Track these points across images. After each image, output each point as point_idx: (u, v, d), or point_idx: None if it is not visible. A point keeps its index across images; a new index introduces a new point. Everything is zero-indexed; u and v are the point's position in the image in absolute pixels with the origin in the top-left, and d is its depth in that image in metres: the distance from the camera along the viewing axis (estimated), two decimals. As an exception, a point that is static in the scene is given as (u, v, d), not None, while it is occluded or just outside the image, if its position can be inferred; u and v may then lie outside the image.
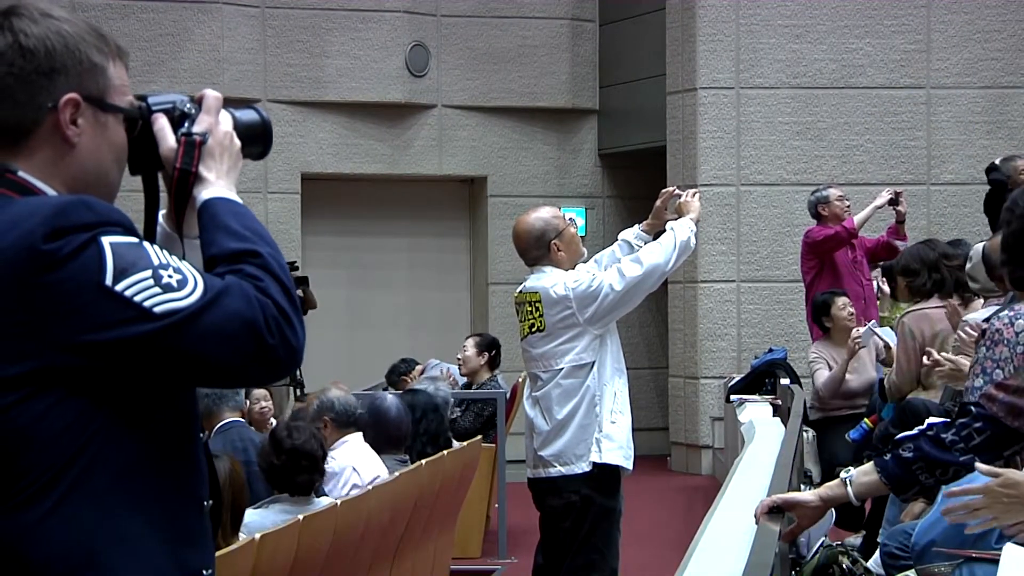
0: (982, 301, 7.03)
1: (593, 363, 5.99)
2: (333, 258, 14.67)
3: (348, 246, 14.79)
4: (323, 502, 5.65)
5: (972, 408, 3.66)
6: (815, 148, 13.31)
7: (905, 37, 13.35)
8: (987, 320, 4.66)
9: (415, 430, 7.78)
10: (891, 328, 8.85)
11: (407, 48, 14.37)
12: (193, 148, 2.29)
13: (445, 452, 7.50)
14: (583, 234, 12.74)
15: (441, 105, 14.63)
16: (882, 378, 8.18)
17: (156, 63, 13.40)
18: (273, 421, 8.42)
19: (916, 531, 4.50)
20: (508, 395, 10.31)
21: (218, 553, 3.27)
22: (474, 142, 14.74)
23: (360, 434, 6.82)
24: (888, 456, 3.75)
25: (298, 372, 11.47)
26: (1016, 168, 10.00)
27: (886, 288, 9.22)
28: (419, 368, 10.98)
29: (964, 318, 6.63)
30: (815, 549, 4.58)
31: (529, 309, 6.07)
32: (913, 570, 4.38)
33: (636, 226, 6.52)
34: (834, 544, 4.86)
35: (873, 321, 9.55)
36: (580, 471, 5.97)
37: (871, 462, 3.81)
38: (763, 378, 10.80)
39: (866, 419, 8.22)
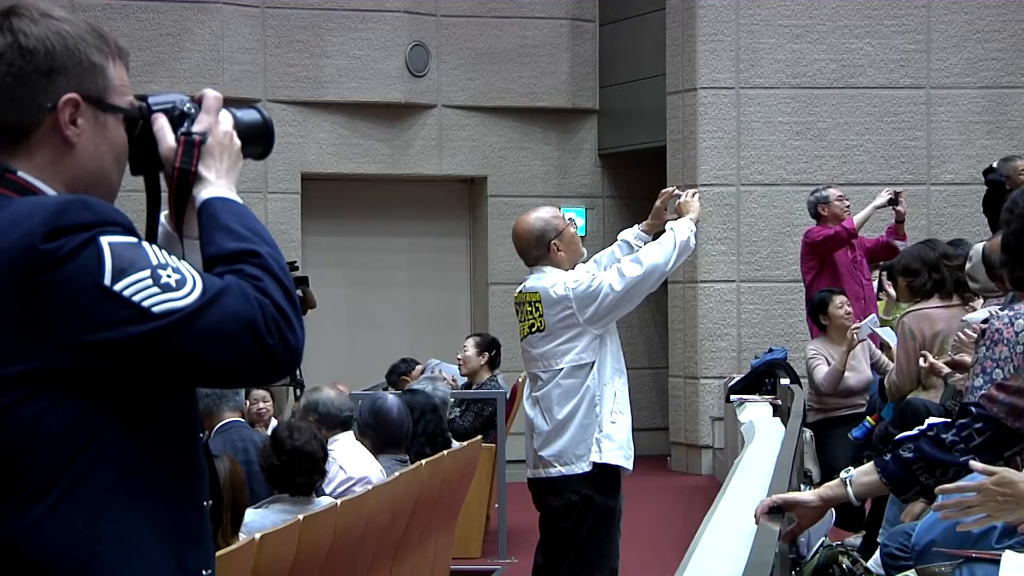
0: (982, 301, 7.03)
1: (593, 363, 5.98)
2: (333, 258, 14.67)
3: (348, 246, 14.79)
4: (323, 502, 5.65)
5: (972, 409, 3.66)
6: (815, 148, 13.31)
7: (905, 37, 13.35)
8: (986, 320, 4.66)
9: (413, 430, 7.79)
10: (891, 328, 8.85)
11: (407, 48, 14.37)
12: (192, 147, 2.28)
13: (445, 452, 7.51)
14: (583, 234, 12.74)
15: (441, 105, 14.63)
16: (882, 378, 8.18)
17: (156, 63, 13.41)
18: (274, 421, 8.42)
19: (916, 531, 4.50)
20: (508, 395, 10.31)
21: (218, 553, 3.27)
22: (474, 142, 14.74)
23: (350, 433, 6.82)
24: (888, 456, 3.75)
25: (298, 372, 11.47)
26: (1016, 168, 10.01)
27: (892, 291, 9.21)
28: (419, 368, 10.99)
29: (963, 318, 6.63)
30: (815, 549, 4.58)
31: (529, 309, 6.07)
32: (913, 570, 4.37)
33: (636, 226, 6.52)
34: (834, 544, 4.86)
35: (872, 315, 9.57)
36: (580, 471, 5.97)
37: (871, 462, 3.81)
38: (763, 378, 10.81)
39: (868, 417, 8.23)
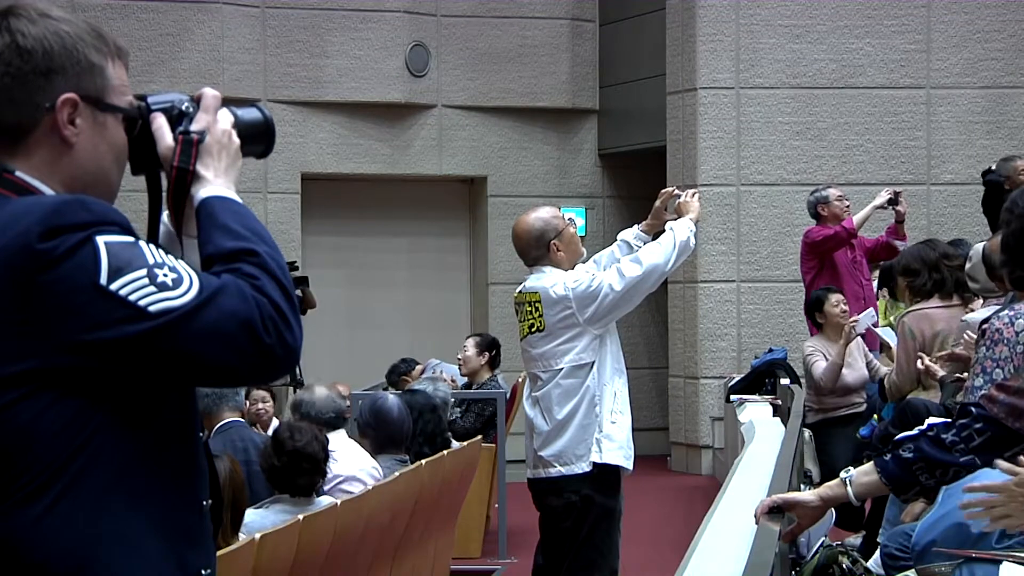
0: (982, 301, 7.03)
1: (593, 363, 5.98)
2: (333, 258, 14.67)
3: (348, 246, 14.79)
4: (323, 502, 5.65)
5: (972, 409, 3.66)
6: (815, 148, 13.31)
7: (905, 37, 13.35)
8: (987, 320, 4.66)
9: (412, 430, 7.79)
10: (891, 328, 8.86)
11: (407, 48, 14.37)
12: (190, 146, 2.28)
13: (445, 452, 7.50)
14: (583, 234, 12.74)
15: (441, 105, 14.63)
16: (882, 378, 8.18)
17: (156, 63, 13.41)
18: (275, 421, 8.42)
19: (916, 531, 4.50)
20: (508, 395, 10.31)
21: (218, 553, 3.27)
22: (474, 142, 14.74)
23: (343, 432, 6.82)
24: (888, 456, 3.75)
25: (299, 372, 11.48)
26: (1016, 168, 10.00)
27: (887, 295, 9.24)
28: (419, 368, 10.99)
29: (963, 318, 6.63)
30: (815, 549, 4.58)
31: (529, 309, 6.07)
32: (913, 570, 4.37)
33: (635, 226, 6.52)
34: (834, 544, 4.86)
35: (870, 310, 9.58)
36: (580, 471, 5.97)
37: (871, 462, 3.81)
38: (763, 378, 10.81)
39: (875, 416, 8.23)
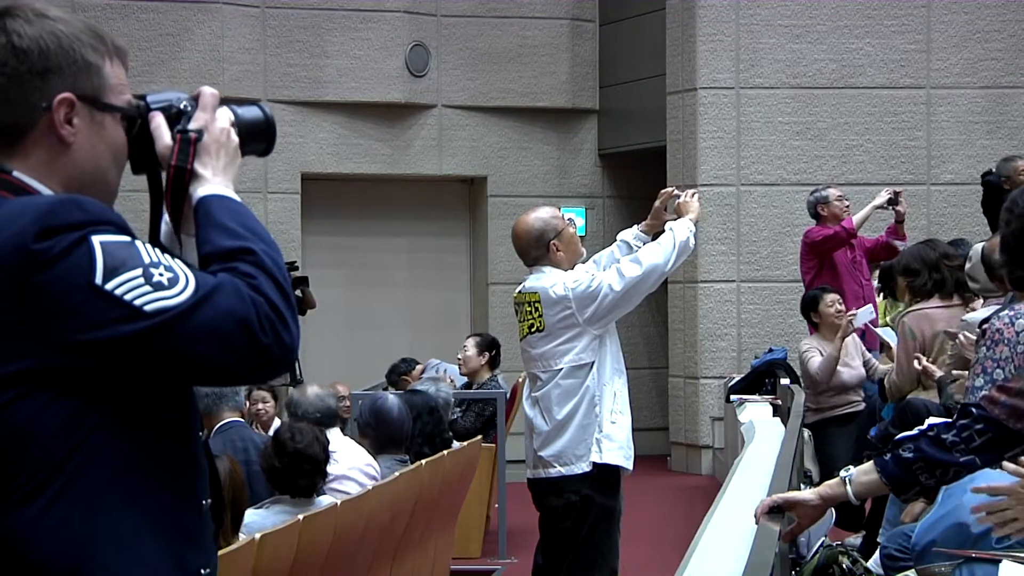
0: (982, 301, 7.03)
1: (593, 363, 5.98)
2: (333, 258, 14.67)
3: (348, 246, 14.79)
4: (323, 502, 5.65)
5: (973, 410, 3.66)
6: (815, 148, 13.31)
7: (905, 37, 13.35)
8: (986, 320, 4.66)
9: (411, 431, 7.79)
10: (891, 328, 8.86)
11: (407, 48, 14.37)
12: (188, 145, 2.28)
13: (445, 452, 7.50)
14: (583, 234, 12.74)
15: (441, 105, 14.63)
16: (882, 378, 8.18)
17: (156, 63, 13.41)
18: (277, 421, 8.42)
19: (916, 531, 4.50)
20: (508, 395, 10.31)
21: (218, 553, 3.26)
22: (474, 142, 14.74)
23: (336, 430, 6.82)
24: (888, 456, 3.74)
25: (299, 372, 11.47)
26: (1016, 168, 10.00)
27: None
28: (419, 368, 10.99)
29: (963, 318, 6.63)
30: (815, 549, 4.58)
31: (528, 309, 6.07)
32: (913, 570, 4.37)
33: (635, 227, 6.52)
34: (834, 544, 4.86)
35: (868, 306, 9.59)
36: (580, 471, 5.96)
37: (871, 462, 3.81)
38: (763, 378, 10.81)
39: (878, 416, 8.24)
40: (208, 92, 2.34)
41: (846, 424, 9.22)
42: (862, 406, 9.23)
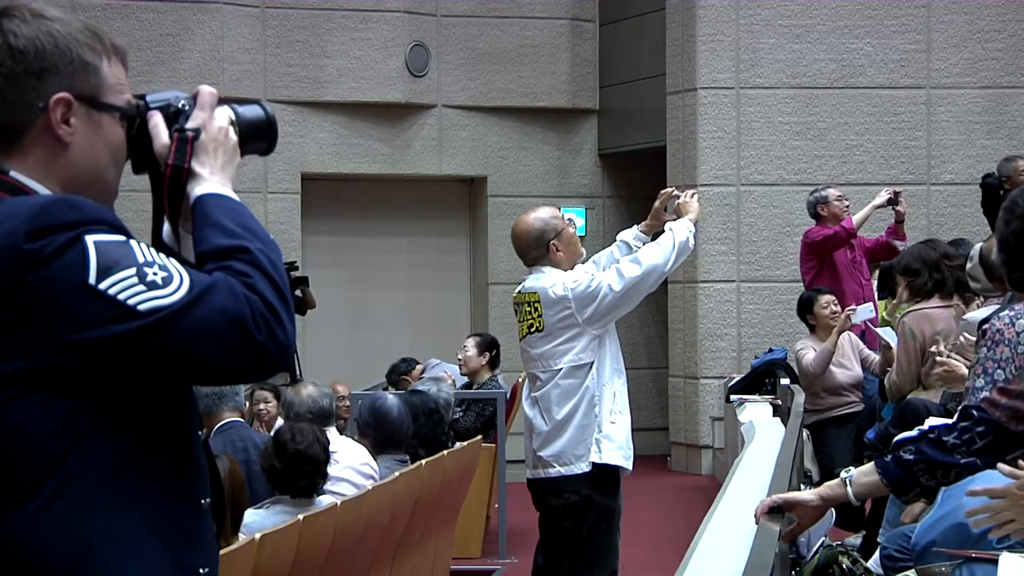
0: (982, 301, 7.03)
1: (592, 363, 5.98)
2: (333, 258, 14.67)
3: (348, 246, 14.79)
4: (323, 502, 5.65)
5: (974, 412, 3.66)
6: (815, 148, 13.31)
7: (905, 37, 13.35)
8: (986, 320, 4.65)
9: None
10: (891, 328, 8.86)
11: (407, 48, 14.37)
12: (185, 144, 2.28)
13: (445, 452, 7.50)
14: (583, 234, 12.74)
15: (441, 105, 14.63)
16: (882, 378, 8.18)
17: (156, 63, 13.41)
18: (280, 421, 8.41)
19: (916, 531, 4.50)
20: (508, 395, 10.31)
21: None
22: (474, 142, 14.74)
23: (332, 429, 6.82)
24: (889, 457, 3.74)
25: (299, 372, 11.47)
26: (1017, 168, 10.00)
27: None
28: (419, 368, 10.98)
29: (964, 317, 6.62)
30: (815, 549, 4.58)
31: (528, 309, 6.07)
32: (913, 570, 4.37)
33: (635, 227, 6.52)
34: (834, 544, 4.86)
35: (868, 304, 9.59)
36: (580, 471, 5.96)
37: (871, 462, 3.81)
38: (763, 378, 10.81)
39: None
40: (206, 91, 2.34)
41: (844, 425, 9.23)
42: (860, 407, 9.24)
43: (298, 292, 12.10)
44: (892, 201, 10.37)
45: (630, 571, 7.03)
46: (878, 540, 6.06)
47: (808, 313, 9.64)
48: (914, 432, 4.15)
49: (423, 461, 6.78)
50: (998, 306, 5.47)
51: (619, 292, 5.91)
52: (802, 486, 6.07)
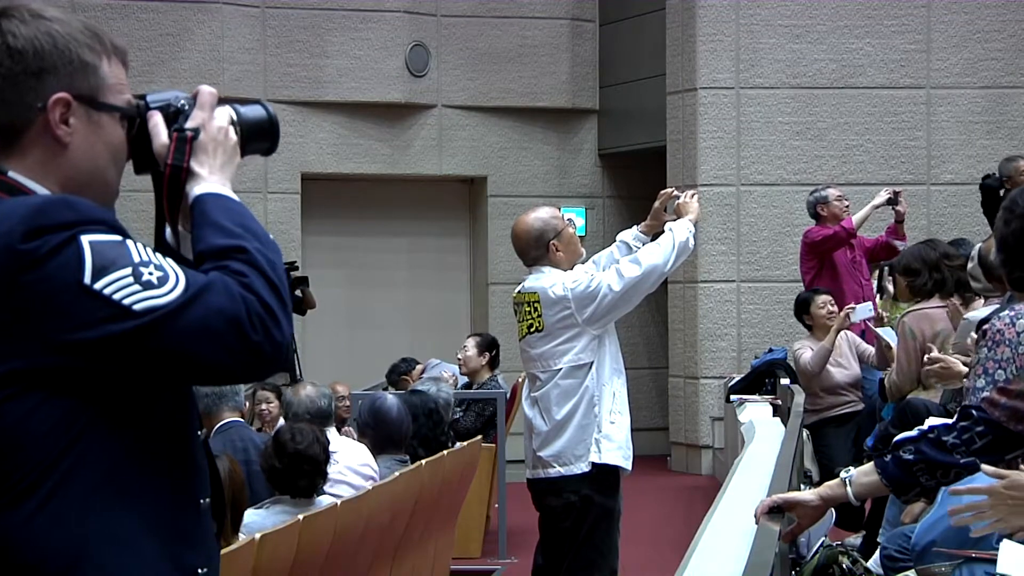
0: (983, 301, 7.03)
1: (592, 363, 5.98)
2: (333, 258, 14.67)
3: (348, 246, 14.79)
4: (323, 503, 5.65)
5: (973, 412, 3.66)
6: (815, 148, 13.31)
7: (905, 37, 13.35)
8: (986, 320, 4.65)
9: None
10: (891, 328, 8.87)
11: (407, 48, 14.37)
12: (184, 143, 2.28)
13: (445, 452, 7.50)
14: (583, 234, 12.75)
15: (441, 105, 14.63)
16: (882, 378, 8.18)
17: (156, 63, 13.40)
18: (282, 420, 8.41)
19: (916, 531, 4.50)
20: (508, 395, 10.31)
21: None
22: (474, 142, 14.74)
23: (332, 430, 6.82)
24: (888, 457, 3.74)
25: (299, 372, 11.48)
26: (1018, 168, 10.01)
27: (891, 287, 9.26)
28: (419, 368, 10.98)
29: (965, 316, 6.62)
30: (815, 549, 4.58)
31: (528, 309, 6.07)
32: (913, 570, 4.37)
33: (634, 227, 6.52)
34: (834, 544, 4.86)
35: (868, 303, 9.60)
36: (579, 471, 5.96)
37: (871, 462, 3.81)
38: (763, 378, 10.81)
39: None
40: (206, 91, 2.34)
41: (843, 424, 9.23)
42: (860, 406, 9.24)
43: (298, 292, 12.10)
44: (892, 201, 10.37)
45: (630, 571, 7.03)
46: (878, 540, 6.06)
47: (805, 314, 9.65)
48: (914, 432, 4.15)
49: (423, 461, 6.78)
50: (998, 306, 5.46)
51: (619, 292, 5.91)
52: (802, 486, 6.07)
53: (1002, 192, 9.44)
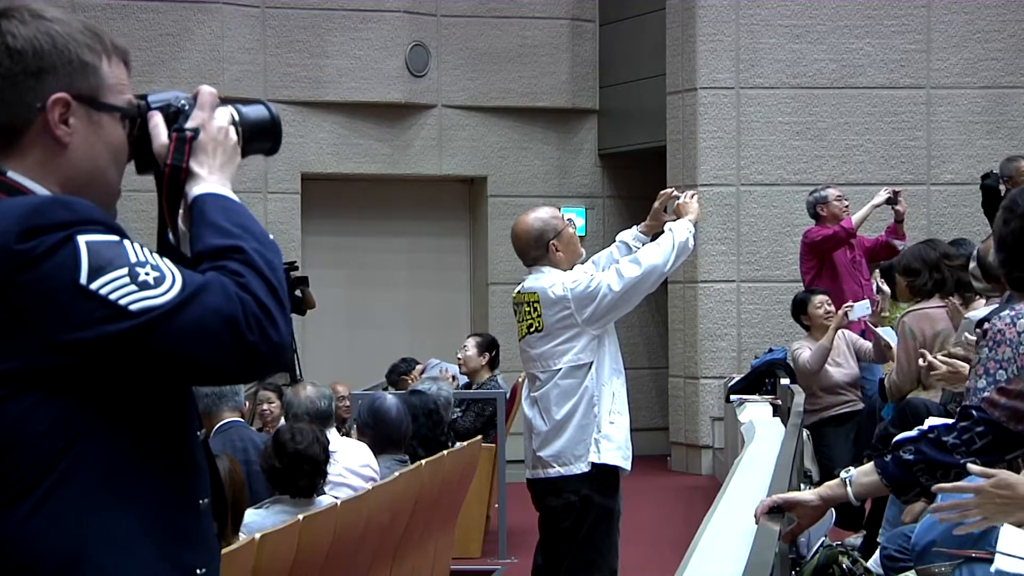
0: (983, 300, 7.03)
1: (591, 363, 5.98)
2: (333, 258, 14.66)
3: (348, 246, 14.79)
4: (323, 502, 5.65)
5: (973, 412, 3.66)
6: (815, 148, 13.31)
7: (905, 37, 13.35)
8: (986, 320, 4.65)
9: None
10: (891, 328, 8.87)
11: (407, 48, 14.36)
12: (184, 143, 2.28)
13: (445, 452, 7.50)
14: (583, 234, 12.74)
15: (441, 105, 14.63)
16: (882, 378, 8.19)
17: (156, 63, 13.40)
18: (283, 421, 8.41)
19: (916, 531, 4.50)
20: (508, 395, 10.31)
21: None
22: (474, 142, 14.74)
23: (333, 431, 6.82)
24: (888, 457, 3.74)
25: (299, 372, 11.47)
26: (1019, 168, 10.01)
27: (886, 288, 9.26)
28: (419, 368, 10.98)
29: (966, 316, 6.62)
30: (815, 549, 4.58)
31: (527, 309, 6.07)
32: (913, 570, 4.37)
33: (634, 227, 6.52)
34: (834, 544, 4.86)
35: (866, 301, 9.60)
36: (579, 471, 5.96)
37: (871, 462, 3.81)
38: (763, 378, 10.81)
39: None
40: (206, 91, 2.34)
41: (843, 424, 9.23)
42: (860, 405, 9.24)
43: (298, 292, 12.10)
44: (891, 200, 10.37)
45: (630, 571, 7.03)
46: (878, 540, 6.06)
47: (802, 314, 9.65)
48: (914, 432, 4.15)
49: (423, 461, 6.78)
50: (998, 305, 5.46)
51: (618, 292, 5.91)
52: (802, 486, 6.07)
53: (1002, 191, 9.44)
